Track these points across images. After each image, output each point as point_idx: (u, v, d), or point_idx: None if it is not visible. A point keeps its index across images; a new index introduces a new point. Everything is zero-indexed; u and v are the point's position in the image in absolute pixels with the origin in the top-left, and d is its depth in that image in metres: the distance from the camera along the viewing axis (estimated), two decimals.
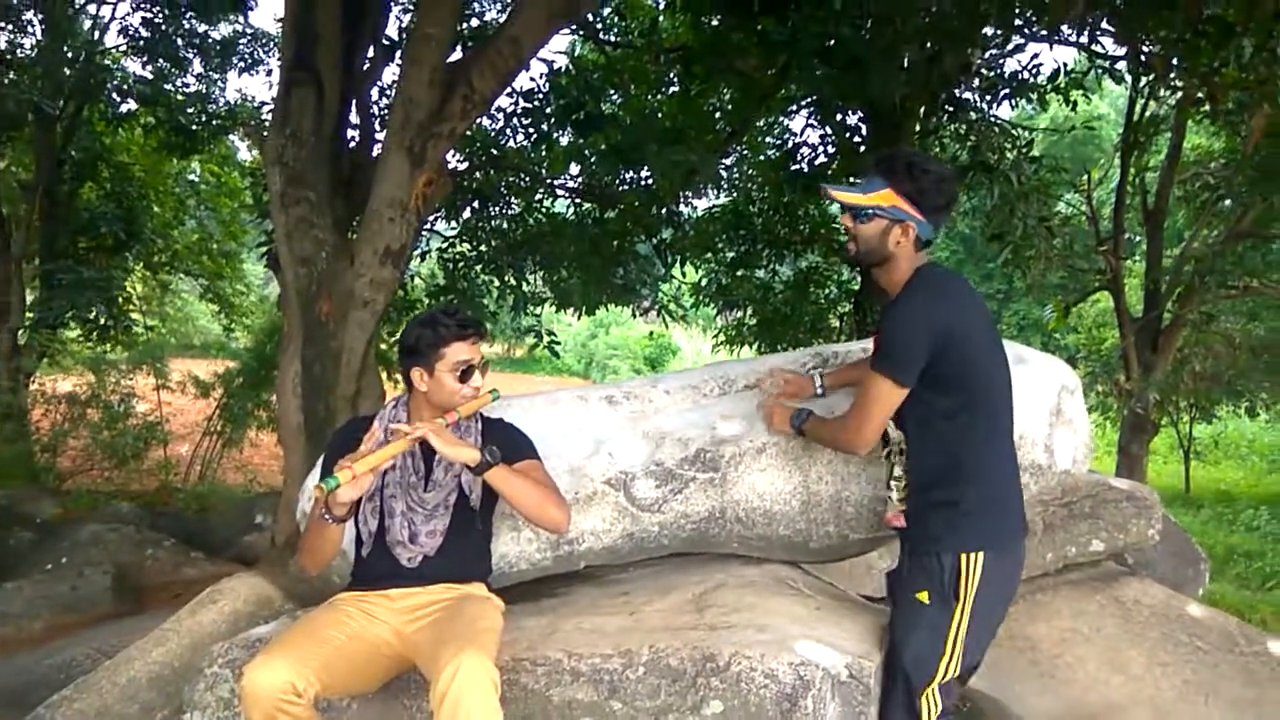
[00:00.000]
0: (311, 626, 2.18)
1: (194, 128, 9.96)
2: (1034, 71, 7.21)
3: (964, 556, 2.08)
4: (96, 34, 10.39)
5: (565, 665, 2.16)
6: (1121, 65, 7.16)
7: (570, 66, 8.63)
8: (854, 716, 2.06)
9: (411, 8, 7.53)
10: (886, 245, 2.15)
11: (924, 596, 2.13)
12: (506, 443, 2.35)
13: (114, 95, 10.23)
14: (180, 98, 10.26)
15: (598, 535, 2.63)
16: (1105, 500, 3.46)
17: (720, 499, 2.62)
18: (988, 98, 7.37)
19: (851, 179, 2.66)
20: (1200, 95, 5.92)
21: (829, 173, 8.39)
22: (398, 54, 6.51)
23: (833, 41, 5.93)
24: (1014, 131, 7.73)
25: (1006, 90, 7.11)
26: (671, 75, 8.57)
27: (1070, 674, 3.07)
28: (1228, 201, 9.06)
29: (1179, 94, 7.00)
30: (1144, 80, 7.95)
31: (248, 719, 2.00)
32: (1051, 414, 2.64)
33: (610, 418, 2.83)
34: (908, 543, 2.25)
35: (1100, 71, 7.22)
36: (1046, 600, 3.35)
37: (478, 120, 6.48)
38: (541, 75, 8.24)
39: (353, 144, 5.79)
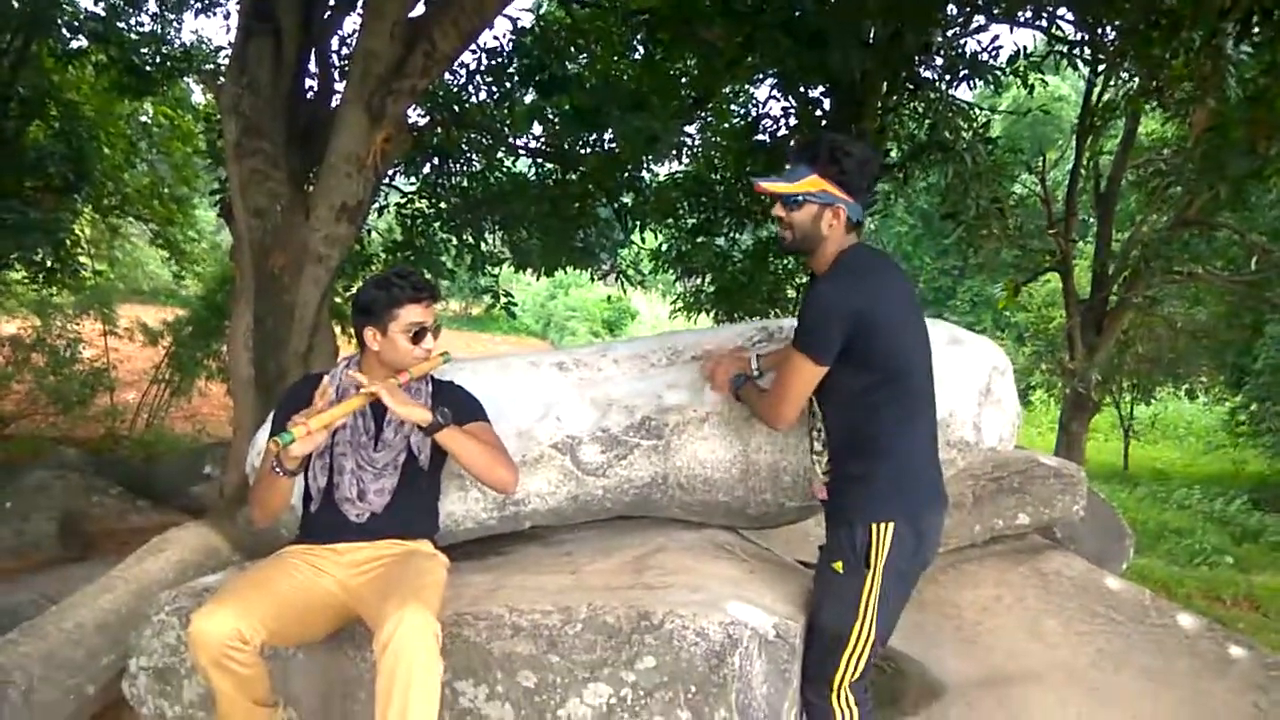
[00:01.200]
0: (259, 577, 2.23)
1: (147, 68, 9.67)
2: (993, 53, 7.26)
3: (874, 527, 2.17)
4: None
5: (506, 620, 2.24)
6: (1079, 50, 7.25)
7: (536, 25, 8.55)
8: (779, 674, 2.17)
9: None
10: (820, 230, 2.22)
11: (839, 566, 2.22)
12: (457, 404, 2.41)
13: (64, 31, 9.87)
14: (134, 37, 9.94)
15: (543, 497, 2.70)
16: (1033, 476, 3.58)
17: (663, 465, 2.70)
18: (947, 77, 7.41)
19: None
20: (1150, 86, 6.03)
21: (791, 145, 8.40)
22: (359, 5, 6.38)
23: (797, 14, 5.93)
24: (971, 112, 7.80)
25: (965, 70, 7.15)
26: (637, 39, 8.51)
27: (991, 640, 3.18)
28: (1178, 188, 9.21)
29: (1134, 81, 7.10)
30: (1100, 66, 8.04)
31: (195, 665, 2.06)
32: (981, 393, 2.74)
33: (559, 383, 2.89)
34: (828, 514, 2.34)
35: (1058, 56, 7.30)
36: (972, 569, 3.48)
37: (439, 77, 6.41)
38: (506, 33, 8.17)
39: (310, 95, 5.70)
